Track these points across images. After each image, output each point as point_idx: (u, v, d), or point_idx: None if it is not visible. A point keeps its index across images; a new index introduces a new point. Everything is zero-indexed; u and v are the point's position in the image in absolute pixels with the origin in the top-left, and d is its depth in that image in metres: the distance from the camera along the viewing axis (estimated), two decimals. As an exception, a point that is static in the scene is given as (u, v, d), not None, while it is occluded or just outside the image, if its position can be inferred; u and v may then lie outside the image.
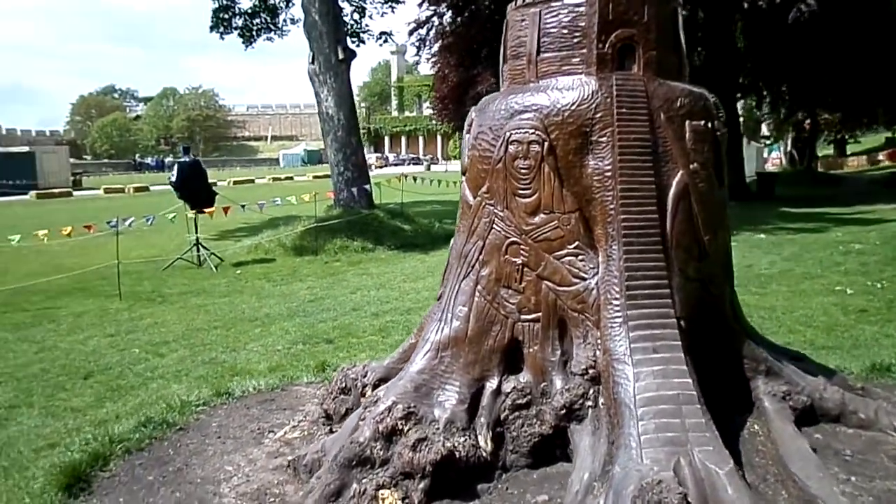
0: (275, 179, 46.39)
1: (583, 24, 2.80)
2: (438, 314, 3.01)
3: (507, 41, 3.06)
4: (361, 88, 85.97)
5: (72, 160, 58.78)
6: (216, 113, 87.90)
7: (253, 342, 7.38)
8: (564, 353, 2.80)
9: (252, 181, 44.33)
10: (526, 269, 2.82)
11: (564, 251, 2.76)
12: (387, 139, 78.84)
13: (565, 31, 2.84)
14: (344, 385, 3.42)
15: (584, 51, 2.80)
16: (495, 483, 2.72)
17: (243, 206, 13.59)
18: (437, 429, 2.71)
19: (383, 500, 2.57)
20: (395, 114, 78.23)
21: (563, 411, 2.70)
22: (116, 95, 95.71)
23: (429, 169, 54.07)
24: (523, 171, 2.79)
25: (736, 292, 3.08)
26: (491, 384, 2.86)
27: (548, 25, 2.86)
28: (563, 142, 2.73)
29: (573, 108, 2.73)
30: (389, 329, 7.22)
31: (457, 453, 2.65)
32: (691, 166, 2.76)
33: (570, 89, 2.77)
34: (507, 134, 2.82)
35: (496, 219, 2.88)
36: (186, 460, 3.38)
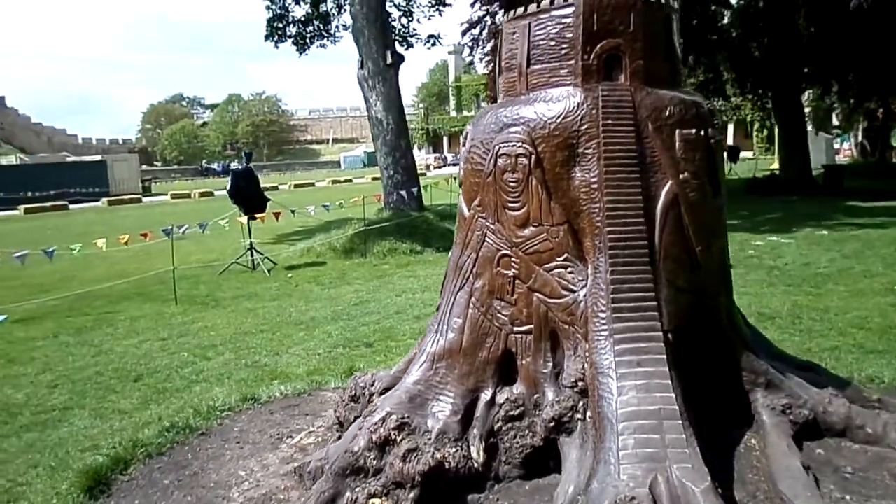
0: (334, 182, 47.20)
1: (570, 35, 2.79)
2: (435, 325, 3.06)
3: (502, 53, 3.08)
4: (419, 89, 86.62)
5: (143, 167, 61.33)
6: (279, 118, 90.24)
7: (295, 346, 7.56)
8: (557, 365, 2.81)
9: (312, 184, 45.21)
10: (517, 281, 2.83)
11: (554, 263, 2.76)
12: (445, 139, 79.18)
13: (553, 43, 2.84)
14: (354, 393, 3.50)
15: (572, 62, 2.79)
16: (487, 494, 2.74)
17: (293, 212, 13.93)
18: (429, 439, 2.76)
19: (374, 508, 2.64)
20: (453, 114, 78.49)
21: (552, 423, 2.70)
22: (184, 103, 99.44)
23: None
24: (512, 184, 2.80)
25: (734, 301, 3.01)
26: (485, 395, 2.89)
27: (537, 37, 2.86)
28: (549, 154, 2.73)
29: (559, 120, 2.72)
30: (428, 332, 7.26)
31: (446, 464, 2.70)
32: (681, 176, 2.71)
33: (557, 101, 2.77)
34: (497, 147, 2.84)
35: (488, 231, 2.91)
36: (203, 465, 3.54)
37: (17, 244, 18.53)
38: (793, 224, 14.61)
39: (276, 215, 13.29)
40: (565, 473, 2.57)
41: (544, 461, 2.78)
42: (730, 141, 51.44)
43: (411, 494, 2.66)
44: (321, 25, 20.79)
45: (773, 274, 9.65)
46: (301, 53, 20.51)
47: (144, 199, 38.20)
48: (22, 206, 31.34)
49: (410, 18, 20.25)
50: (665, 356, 2.49)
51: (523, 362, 2.86)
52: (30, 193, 33.02)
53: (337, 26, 21.28)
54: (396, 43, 17.64)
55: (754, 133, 50.69)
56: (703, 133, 2.77)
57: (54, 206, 32.70)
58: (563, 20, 2.80)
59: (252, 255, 12.90)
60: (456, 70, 78.75)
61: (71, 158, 48.37)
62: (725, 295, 2.92)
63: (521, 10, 2.92)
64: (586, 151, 2.70)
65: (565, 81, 2.82)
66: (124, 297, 11.07)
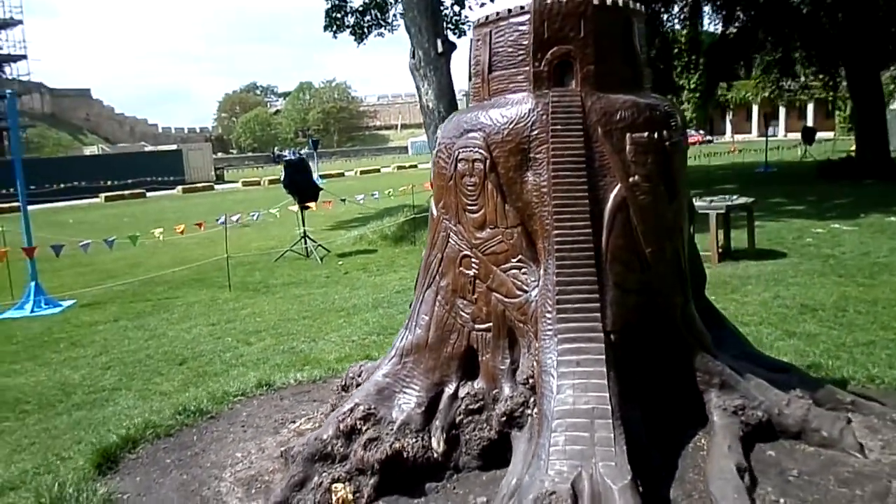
0: (399, 168, 47.69)
1: (525, 42, 2.85)
2: (406, 322, 3.20)
3: (470, 59, 3.16)
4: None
5: (219, 154, 63.53)
6: (349, 104, 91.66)
7: (333, 332, 7.81)
8: (514, 362, 2.91)
9: (378, 170, 45.87)
10: (477, 280, 2.94)
11: (509, 264, 2.85)
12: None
13: (511, 50, 2.91)
14: (344, 383, 3.70)
15: (528, 68, 2.85)
16: (445, 483, 2.89)
17: (343, 200, 14.24)
18: (392, 430, 2.92)
19: (336, 492, 2.82)
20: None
21: (503, 418, 2.81)
22: (258, 92, 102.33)
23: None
24: (470, 187, 2.91)
25: (692, 304, 3.01)
26: (449, 389, 3.02)
27: (497, 44, 2.94)
28: (503, 159, 2.82)
29: (511, 126, 2.80)
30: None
31: (405, 453, 2.85)
32: (630, 179, 2.75)
33: (510, 108, 2.85)
34: (457, 152, 2.94)
35: (451, 232, 3.02)
36: (206, 446, 3.82)
37: (96, 232, 19.70)
38: (860, 210, 13.96)
39: (328, 203, 13.66)
40: (512, 466, 2.68)
41: (502, 453, 2.90)
42: (809, 122, 48.99)
43: (371, 481, 2.84)
44: (378, 14, 21.04)
45: (828, 263, 9.31)
46: (359, 43, 20.82)
47: (217, 187, 39.69)
48: (103, 194, 33.20)
49: (462, 6, 20.23)
50: (604, 357, 2.56)
51: (483, 358, 2.98)
52: (110, 182, 34.84)
53: (394, 15, 21.48)
54: (448, 31, 17.70)
55: (836, 113, 48.24)
56: (655, 136, 2.79)
57: (133, 194, 34.46)
58: (520, 27, 2.87)
59: (306, 243, 13.32)
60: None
61: (149, 148, 50.81)
62: (681, 295, 2.93)
63: (484, 17, 3.00)
64: (537, 156, 2.78)
65: (522, 87, 2.89)
66: (184, 283, 11.64)
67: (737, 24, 21.13)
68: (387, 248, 13.69)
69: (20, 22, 54.04)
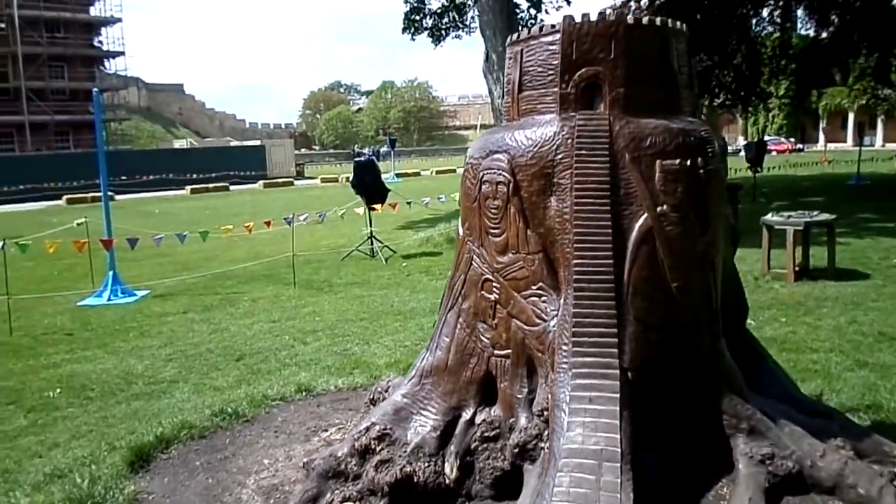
0: (475, 169, 47.41)
1: (555, 62, 2.75)
2: (429, 342, 3.16)
3: (504, 78, 3.09)
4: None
5: (302, 150, 65.21)
6: (429, 104, 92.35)
7: (387, 336, 7.86)
8: (532, 392, 2.82)
9: (454, 171, 45.98)
10: (498, 305, 2.87)
11: (529, 291, 2.76)
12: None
13: (540, 70, 2.81)
14: (373, 397, 3.69)
15: (556, 89, 2.75)
16: (455, 510, 2.83)
17: (409, 203, 14.33)
18: (405, 452, 2.89)
19: (346, 511, 2.82)
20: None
21: (516, 450, 2.73)
22: (342, 90, 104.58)
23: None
24: (493, 210, 2.83)
25: (723, 341, 2.83)
26: (466, 414, 2.96)
27: (527, 63, 2.85)
28: (527, 183, 2.73)
29: (536, 149, 2.71)
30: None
31: (416, 477, 2.81)
32: (658, 209, 2.60)
33: (535, 130, 2.76)
34: (482, 174, 2.88)
35: (474, 255, 2.96)
36: (236, 450, 3.90)
37: (178, 224, 20.58)
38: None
39: (393, 206, 13.78)
40: (521, 500, 2.60)
41: (515, 485, 2.81)
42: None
43: (381, 502, 2.81)
44: (456, 16, 21.09)
45: (918, 287, 8.72)
46: (436, 45, 20.93)
47: (296, 183, 40.80)
48: (189, 187, 34.75)
49: (539, 9, 20.02)
50: (618, 395, 2.44)
51: (502, 385, 2.90)
52: (196, 175, 36.39)
53: (472, 17, 21.51)
54: (524, 34, 17.52)
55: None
56: (689, 163, 2.64)
57: (216, 188, 35.89)
58: (550, 47, 2.77)
59: (372, 244, 13.48)
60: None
61: (234, 143, 52.75)
62: (710, 333, 2.76)
63: (516, 35, 2.92)
64: (561, 182, 2.68)
65: (550, 109, 2.80)
66: (252, 279, 11.98)
67: (831, 28, 20.05)
68: (451, 251, 13.62)
69: (119, 20, 57.06)
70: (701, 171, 2.67)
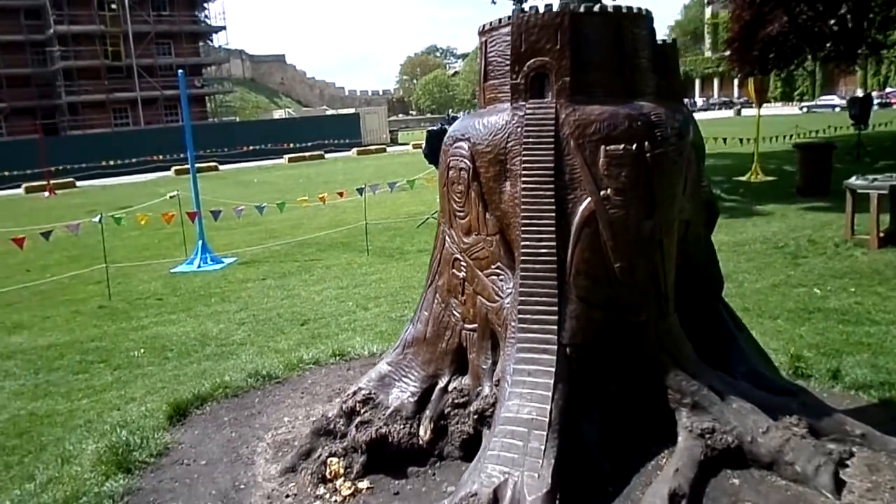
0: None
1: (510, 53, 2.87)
2: (413, 315, 3.41)
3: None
4: (672, 28, 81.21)
5: (399, 116, 65.98)
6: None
7: (444, 303, 8.10)
8: (495, 363, 3.01)
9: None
10: (466, 283, 3.07)
11: (490, 270, 2.94)
12: (697, 82, 73.75)
13: (500, 60, 2.94)
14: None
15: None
16: (427, 469, 3.10)
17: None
18: (384, 415, 3.17)
19: (331, 465, 3.15)
20: (707, 54, 72.62)
21: (476, 416, 2.95)
22: (438, 54, 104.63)
23: (738, 114, 49.66)
24: (458, 194, 3.02)
25: (673, 319, 2.90)
26: (441, 382, 3.20)
27: (490, 54, 2.98)
28: (484, 169, 2.89)
29: (491, 137, 2.86)
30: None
31: (391, 437, 3.10)
32: (602, 192, 2.70)
33: (491, 118, 2.90)
34: (449, 160, 3.06)
35: (447, 235, 3.16)
36: (263, 409, 4.32)
37: (273, 192, 21.56)
38: None
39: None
40: (473, 462, 2.82)
41: (480, 447, 3.03)
42: None
43: (361, 459, 3.12)
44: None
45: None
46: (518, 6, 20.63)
47: (389, 149, 41.56)
48: (286, 156, 36.24)
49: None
50: (553, 369, 2.60)
51: (471, 356, 3.12)
52: (293, 144, 37.87)
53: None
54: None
55: None
56: (634, 147, 2.71)
57: (312, 156, 37.23)
58: (507, 38, 2.89)
59: (445, 211, 13.71)
60: (714, 5, 72.26)
61: (329, 112, 54.30)
62: (656, 312, 2.84)
63: (482, 26, 3.05)
64: (513, 168, 2.82)
65: (508, 98, 2.92)
66: (331, 246, 12.53)
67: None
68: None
69: (222, -5, 59.45)
70: (647, 154, 2.73)
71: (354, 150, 39.33)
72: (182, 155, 33.35)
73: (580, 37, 2.77)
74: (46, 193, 27.56)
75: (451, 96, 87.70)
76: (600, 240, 2.73)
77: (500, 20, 2.94)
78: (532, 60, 2.81)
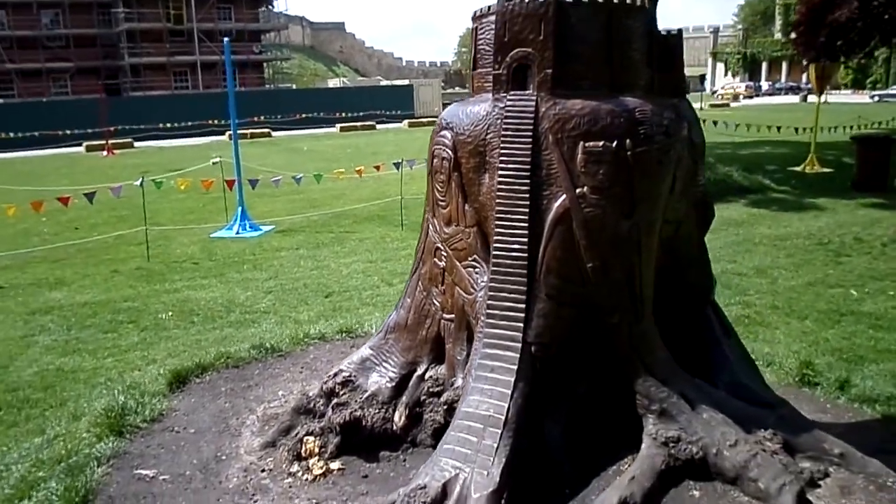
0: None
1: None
2: (398, 301, 3.41)
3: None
4: (742, 8, 78.14)
5: (456, 89, 65.57)
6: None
7: (468, 282, 8.08)
8: (470, 354, 2.99)
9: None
10: (446, 273, 3.05)
11: (467, 262, 2.91)
12: (764, 65, 70.88)
13: (487, 49, 2.87)
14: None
15: (497, 69, 2.81)
16: (399, 454, 3.13)
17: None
18: (361, 399, 3.20)
19: (307, 443, 3.20)
20: (777, 36, 69.59)
21: (445, 406, 2.95)
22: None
23: (805, 100, 47.72)
24: (441, 184, 2.98)
25: (648, 323, 2.81)
26: (420, 369, 3.21)
27: (479, 41, 2.92)
28: (465, 160, 2.84)
29: (472, 128, 2.80)
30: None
31: (364, 421, 3.13)
32: (578, 190, 2.62)
33: (474, 108, 2.84)
34: (433, 148, 3.02)
35: (430, 224, 3.14)
36: (261, 381, 4.41)
37: (321, 160, 21.75)
38: None
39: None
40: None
41: (452, 438, 3.04)
42: None
43: (335, 440, 3.17)
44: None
45: None
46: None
47: (440, 122, 41.27)
48: (339, 125, 36.50)
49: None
50: (515, 367, 2.57)
51: (447, 346, 3.11)
52: (346, 114, 38.12)
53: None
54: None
55: None
56: (614, 145, 2.62)
57: (364, 126, 37.37)
58: (493, 26, 2.81)
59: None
60: (787, -15, 69.08)
61: (384, 83, 54.31)
62: (631, 314, 2.76)
63: (475, 12, 2.97)
64: (491, 160, 2.77)
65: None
66: (367, 219, 12.59)
67: None
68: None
69: (283, -41, 59.81)
70: (628, 153, 2.64)
71: (406, 121, 39.31)
72: (237, 120, 34.03)
73: (566, 28, 2.67)
74: (105, 153, 28.48)
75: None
76: (574, 238, 2.66)
77: (489, 7, 2.87)
78: (515, 51, 2.73)
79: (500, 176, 2.71)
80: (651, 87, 2.85)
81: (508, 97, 2.77)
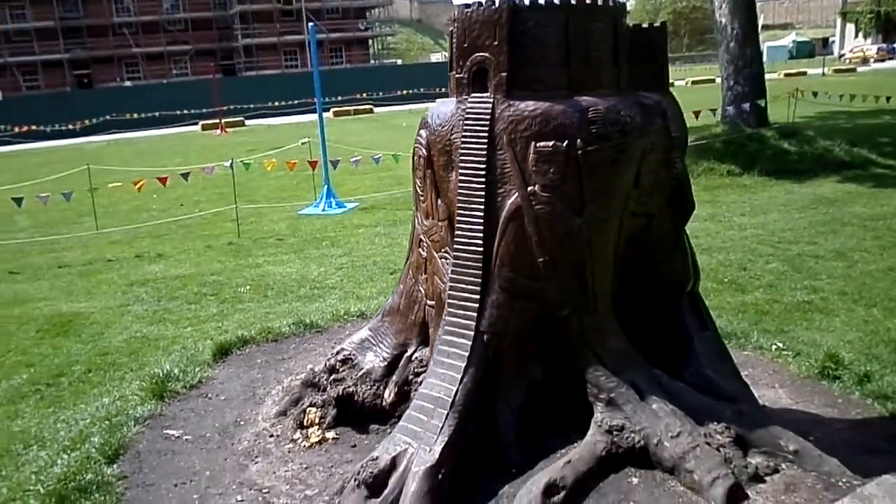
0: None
1: (463, 46, 2.92)
2: (396, 286, 3.66)
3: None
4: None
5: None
6: (702, 4, 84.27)
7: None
8: (447, 340, 3.18)
9: (713, 81, 42.25)
10: (427, 262, 3.25)
11: (441, 253, 3.10)
12: (893, 28, 64.44)
13: (455, 52, 3.00)
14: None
15: (465, 72, 2.94)
16: (387, 428, 3.39)
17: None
18: (356, 376, 3.49)
19: (309, 414, 3.54)
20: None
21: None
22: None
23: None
24: (419, 179, 3.18)
25: (601, 316, 2.87)
26: (409, 350, 3.45)
27: (455, 42, 3.05)
28: (436, 158, 3.02)
29: (440, 129, 2.97)
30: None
31: (356, 396, 3.41)
32: (529, 188, 2.72)
33: (443, 109, 3.00)
34: (414, 146, 3.21)
35: (415, 217, 3.34)
36: (294, 355, 4.80)
37: (412, 139, 22.17)
38: None
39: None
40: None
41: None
42: None
43: (332, 412, 3.48)
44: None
45: None
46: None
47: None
48: (438, 101, 36.84)
49: None
50: (466, 354, 2.74)
51: (430, 330, 3.32)
52: (444, 89, 38.43)
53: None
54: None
55: None
56: (565, 145, 2.70)
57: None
58: (462, 30, 2.94)
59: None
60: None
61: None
62: (583, 307, 2.84)
63: (451, 14, 3.10)
64: (455, 159, 2.92)
65: (460, 90, 3.00)
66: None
67: None
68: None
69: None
70: (579, 152, 2.72)
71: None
72: (340, 97, 35.15)
73: (522, 31, 2.77)
74: (218, 131, 30.36)
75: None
76: (525, 234, 2.79)
77: (463, 9, 3.00)
78: (473, 56, 2.87)
79: (460, 174, 2.87)
80: (617, 84, 2.89)
81: (469, 100, 2.91)
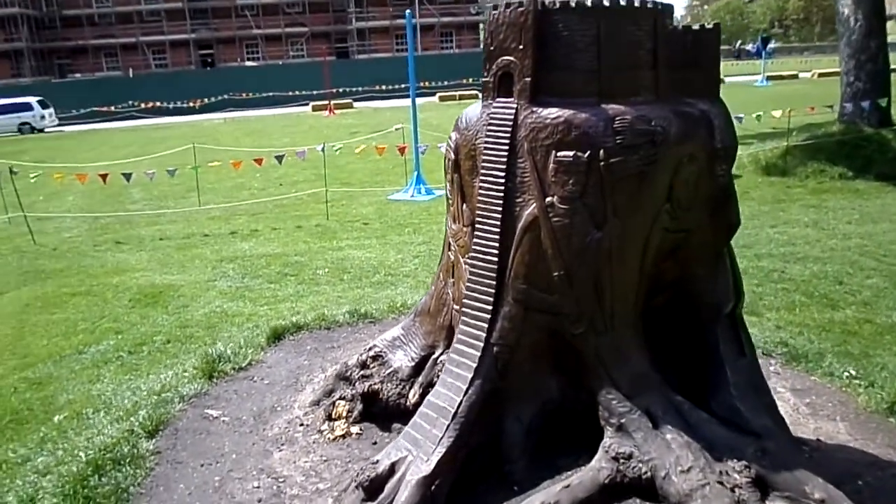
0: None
1: (495, 47, 2.82)
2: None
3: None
4: None
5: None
6: (838, -11, 77.88)
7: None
8: (470, 345, 3.13)
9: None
10: (454, 266, 3.20)
11: (465, 259, 3.03)
12: None
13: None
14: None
15: (497, 74, 2.84)
16: (408, 427, 3.38)
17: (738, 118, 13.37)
18: (384, 374, 3.50)
19: (338, 407, 3.60)
20: None
21: None
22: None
23: None
24: (449, 182, 3.12)
25: (619, 335, 2.69)
26: (437, 353, 3.42)
27: (483, 45, 2.95)
28: (463, 162, 2.95)
29: (467, 132, 2.89)
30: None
31: (381, 394, 3.43)
32: (547, 199, 2.60)
33: (471, 113, 2.91)
34: (446, 148, 3.15)
35: (446, 218, 3.29)
36: (343, 343, 4.88)
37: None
38: None
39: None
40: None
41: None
42: None
43: (359, 406, 3.52)
44: None
45: None
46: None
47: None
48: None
49: None
50: (475, 365, 2.68)
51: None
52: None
53: None
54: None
55: None
56: (587, 156, 2.55)
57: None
58: (494, 32, 2.84)
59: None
60: None
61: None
62: (599, 325, 2.68)
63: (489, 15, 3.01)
64: (479, 165, 2.84)
65: (492, 93, 2.91)
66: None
67: None
68: (752, 175, 12.51)
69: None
70: (601, 163, 2.57)
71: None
72: (446, 82, 35.31)
73: (548, 35, 2.64)
74: (327, 113, 31.31)
75: (744, 25, 78.81)
76: (542, 246, 2.68)
77: (491, 10, 2.91)
78: (499, 59, 2.77)
79: (480, 181, 2.80)
80: (655, 91, 2.72)
81: (493, 104, 2.83)
